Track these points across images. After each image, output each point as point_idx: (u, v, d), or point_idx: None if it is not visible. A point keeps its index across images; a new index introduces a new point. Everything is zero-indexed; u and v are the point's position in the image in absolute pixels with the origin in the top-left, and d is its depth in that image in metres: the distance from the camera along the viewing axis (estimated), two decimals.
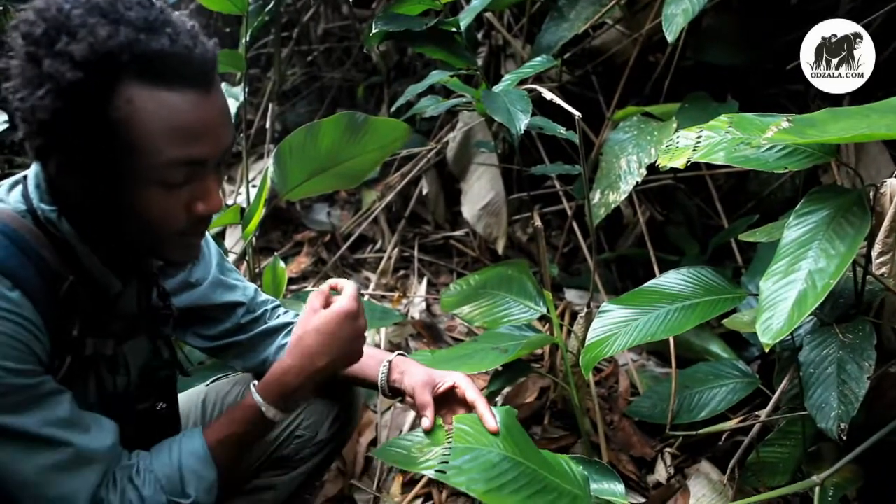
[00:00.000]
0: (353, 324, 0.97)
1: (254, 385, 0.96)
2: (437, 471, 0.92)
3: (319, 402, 1.18)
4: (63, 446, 0.79)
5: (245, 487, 1.16)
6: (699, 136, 1.10)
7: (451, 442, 0.94)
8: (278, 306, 1.22)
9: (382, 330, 2.04)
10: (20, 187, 0.83)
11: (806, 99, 1.82)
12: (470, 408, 1.05)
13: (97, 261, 0.85)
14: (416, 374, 1.08)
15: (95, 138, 0.73)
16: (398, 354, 1.13)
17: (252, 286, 1.19)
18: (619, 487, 1.00)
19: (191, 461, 0.89)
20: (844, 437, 1.05)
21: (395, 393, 1.11)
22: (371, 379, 1.12)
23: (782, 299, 0.91)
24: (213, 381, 1.23)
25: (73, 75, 0.70)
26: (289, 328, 1.18)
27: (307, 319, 0.97)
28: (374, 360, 1.12)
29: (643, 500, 1.49)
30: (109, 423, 0.86)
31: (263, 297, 1.20)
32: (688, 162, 1.08)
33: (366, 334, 1.00)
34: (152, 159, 0.75)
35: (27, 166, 0.88)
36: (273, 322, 1.18)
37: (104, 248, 0.85)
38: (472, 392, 1.05)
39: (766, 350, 0.89)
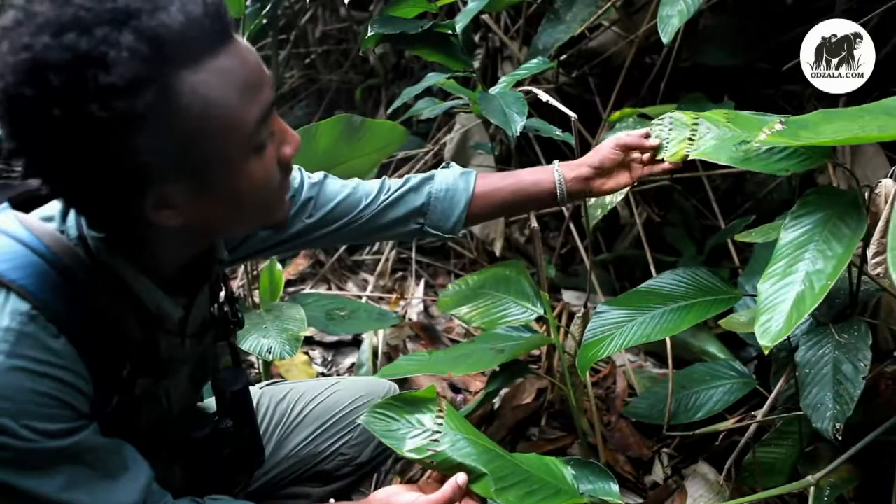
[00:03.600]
0: None
1: None
2: (423, 457, 0.90)
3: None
4: None
5: (281, 493, 1.17)
6: (696, 124, 1.10)
7: (440, 423, 0.94)
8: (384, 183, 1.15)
9: (380, 332, 2.04)
10: (73, 211, 0.75)
11: (802, 99, 1.82)
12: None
13: (152, 287, 0.78)
14: (588, 156, 1.14)
15: (190, 145, 0.65)
16: (558, 162, 1.16)
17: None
18: (614, 487, 1.01)
19: None
20: (840, 437, 1.05)
21: (574, 195, 1.15)
22: (547, 190, 1.14)
23: (780, 301, 0.91)
24: (268, 385, 1.22)
25: (135, 102, 0.60)
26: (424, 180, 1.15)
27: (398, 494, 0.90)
28: (539, 173, 1.15)
29: (640, 500, 1.50)
30: (144, 471, 0.80)
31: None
32: (686, 157, 1.07)
33: None
34: (242, 128, 0.67)
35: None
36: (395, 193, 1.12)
37: (167, 269, 0.79)
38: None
39: (766, 352, 0.89)
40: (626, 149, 1.12)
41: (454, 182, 1.13)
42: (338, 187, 1.09)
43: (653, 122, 1.13)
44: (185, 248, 0.79)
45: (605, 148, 1.12)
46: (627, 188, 1.17)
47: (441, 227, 1.13)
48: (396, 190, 1.12)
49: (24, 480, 0.69)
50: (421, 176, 1.15)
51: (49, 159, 0.63)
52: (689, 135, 1.09)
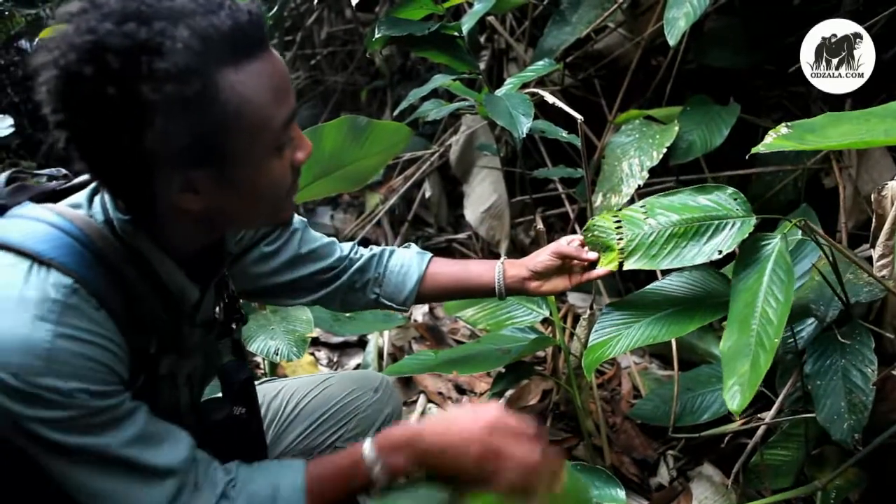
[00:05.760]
0: (510, 439, 0.82)
1: (371, 438, 0.87)
2: None
3: (363, 421, 1.20)
4: (138, 465, 0.76)
5: None
6: (618, 225, 1.14)
7: None
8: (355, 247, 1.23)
9: (385, 333, 2.05)
10: (99, 196, 0.80)
11: (808, 101, 1.82)
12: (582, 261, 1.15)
13: (174, 268, 0.83)
14: (529, 258, 1.19)
15: (221, 137, 0.71)
16: (504, 259, 1.20)
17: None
18: (620, 493, 1.01)
19: (287, 492, 0.84)
20: (860, 447, 1.06)
21: (512, 291, 1.20)
22: (487, 284, 1.19)
23: (741, 365, 0.93)
24: (261, 384, 1.24)
25: (184, 89, 0.66)
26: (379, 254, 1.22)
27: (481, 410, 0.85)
28: (484, 266, 1.20)
29: (645, 502, 1.50)
30: (185, 436, 0.82)
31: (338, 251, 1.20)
32: (620, 266, 1.12)
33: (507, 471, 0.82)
34: (269, 129, 0.74)
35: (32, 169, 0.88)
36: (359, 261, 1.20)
37: (182, 253, 0.83)
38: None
39: (737, 416, 0.91)
40: (564, 258, 1.17)
41: (409, 260, 1.21)
42: (319, 234, 1.18)
43: (584, 229, 1.18)
44: (198, 234, 0.84)
45: (544, 255, 1.18)
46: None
47: (394, 299, 1.21)
48: (363, 255, 1.21)
49: (82, 439, 0.73)
50: (383, 248, 1.24)
51: (94, 135, 0.68)
52: (616, 240, 1.13)
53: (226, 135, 0.71)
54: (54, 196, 0.83)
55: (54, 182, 0.86)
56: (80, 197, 0.81)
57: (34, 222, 0.76)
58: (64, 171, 0.89)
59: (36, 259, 0.72)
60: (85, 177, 0.87)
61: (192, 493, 0.80)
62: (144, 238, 0.79)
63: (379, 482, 0.84)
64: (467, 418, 0.83)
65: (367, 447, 0.84)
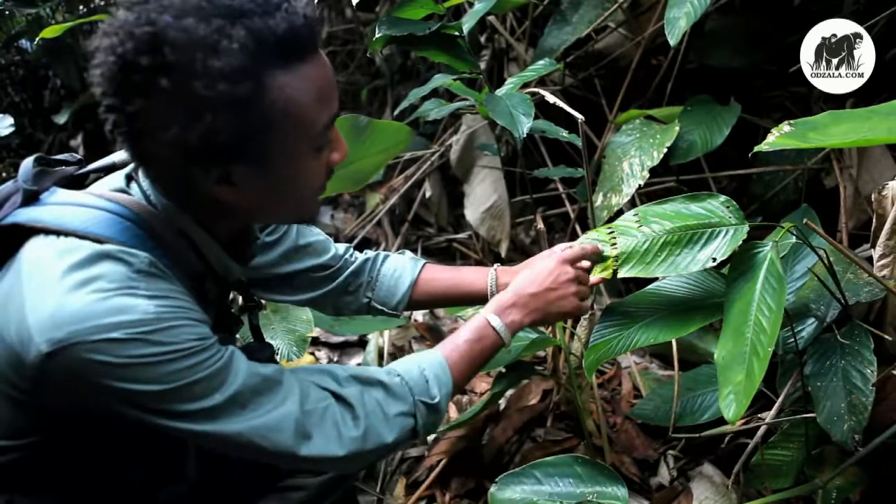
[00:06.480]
0: (564, 268, 1.07)
1: (484, 309, 1.02)
2: None
3: None
4: (258, 379, 0.79)
5: (278, 485, 1.19)
6: (612, 235, 1.14)
7: None
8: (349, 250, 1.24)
9: (386, 332, 2.05)
10: (135, 183, 0.82)
11: (809, 101, 1.82)
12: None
13: (218, 247, 0.86)
14: (522, 265, 1.18)
15: (265, 135, 0.73)
16: (497, 267, 1.20)
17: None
18: (622, 491, 1.01)
19: (434, 369, 0.94)
20: (860, 448, 1.05)
21: None
22: (479, 290, 1.19)
23: (736, 374, 0.93)
24: None
25: (235, 88, 0.67)
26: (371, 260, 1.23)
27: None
28: (477, 273, 1.20)
29: (646, 502, 1.50)
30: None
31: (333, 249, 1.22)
32: (614, 274, 1.11)
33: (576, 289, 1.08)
34: (311, 130, 0.76)
35: None
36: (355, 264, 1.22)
37: (215, 236, 0.86)
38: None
39: (733, 424, 0.91)
40: None
41: (402, 266, 1.22)
42: (316, 229, 1.20)
43: (579, 239, 1.19)
44: (227, 222, 0.86)
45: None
46: None
47: (386, 304, 1.22)
48: (358, 258, 1.22)
49: (202, 372, 0.75)
50: (378, 252, 1.25)
51: (142, 123, 0.69)
52: (611, 249, 1.13)
53: (270, 133, 0.72)
54: (74, 181, 0.85)
55: (71, 168, 0.88)
56: (119, 181, 0.82)
57: (88, 209, 0.77)
58: (77, 156, 0.90)
59: (103, 242, 0.74)
60: (99, 162, 0.89)
61: (347, 383, 0.85)
62: (188, 220, 0.82)
63: (507, 340, 1.01)
64: (540, 266, 1.08)
65: (489, 315, 1.00)
